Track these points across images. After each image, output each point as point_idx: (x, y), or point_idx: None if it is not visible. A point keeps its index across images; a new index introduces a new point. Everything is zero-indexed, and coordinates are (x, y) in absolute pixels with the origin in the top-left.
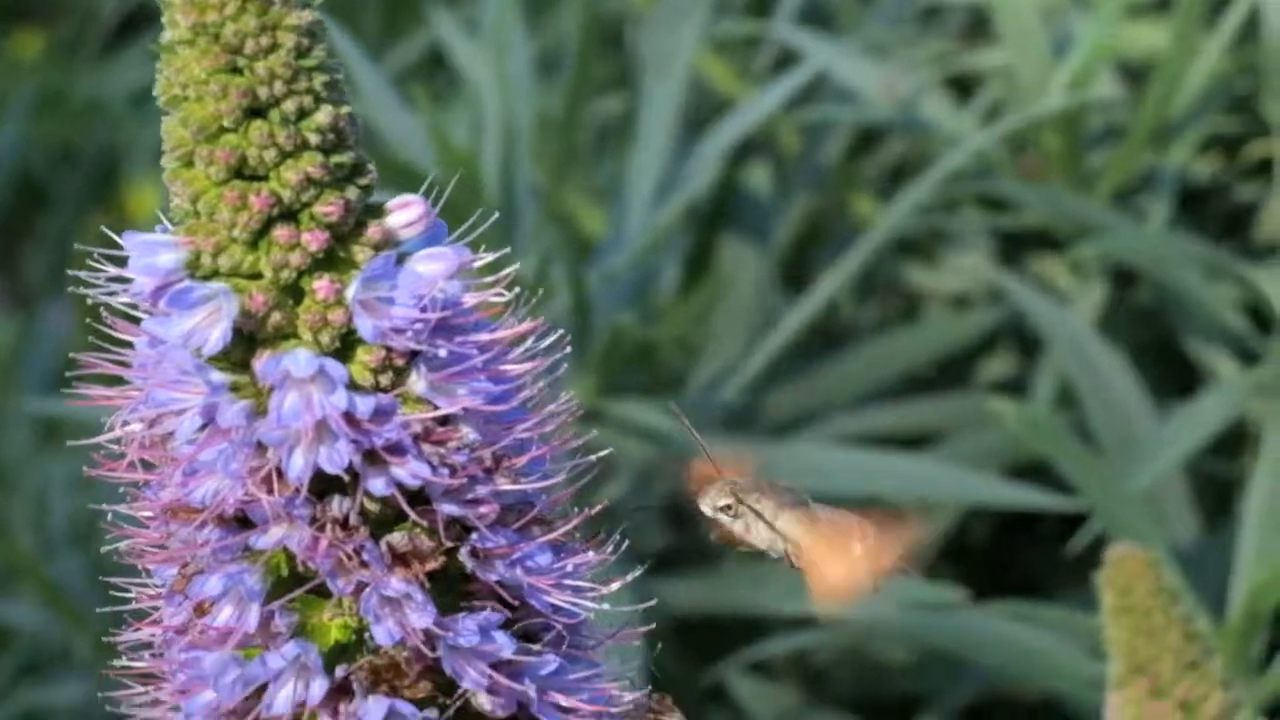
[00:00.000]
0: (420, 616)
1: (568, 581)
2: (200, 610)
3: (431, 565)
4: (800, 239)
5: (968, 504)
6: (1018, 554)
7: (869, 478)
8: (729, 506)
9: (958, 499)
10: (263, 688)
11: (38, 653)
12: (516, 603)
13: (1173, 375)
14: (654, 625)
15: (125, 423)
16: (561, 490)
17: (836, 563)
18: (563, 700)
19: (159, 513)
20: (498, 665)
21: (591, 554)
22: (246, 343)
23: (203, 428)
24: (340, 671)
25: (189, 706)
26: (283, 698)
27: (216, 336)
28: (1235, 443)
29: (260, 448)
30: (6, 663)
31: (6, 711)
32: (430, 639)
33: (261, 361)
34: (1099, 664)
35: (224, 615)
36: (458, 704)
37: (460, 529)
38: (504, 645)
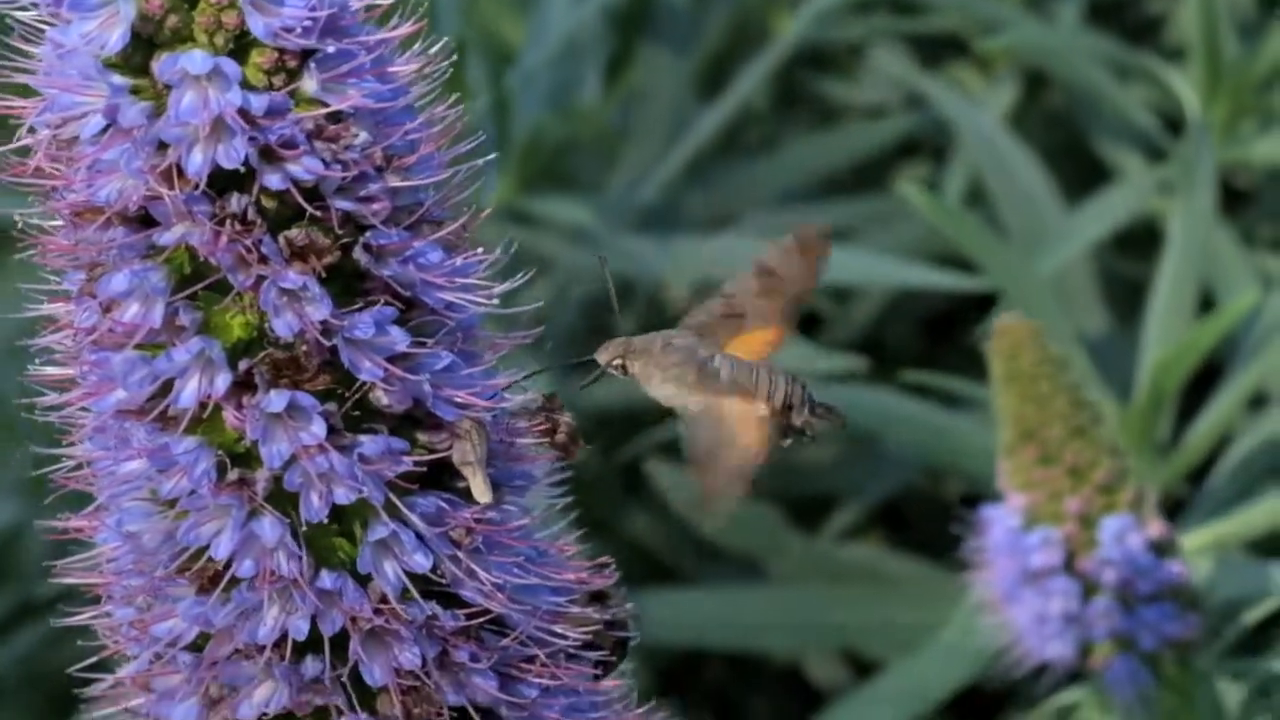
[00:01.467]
0: (317, 309)
1: (458, 279)
2: (107, 309)
3: (328, 259)
4: (720, 54)
5: (885, 289)
6: (938, 360)
7: None
8: (619, 365)
9: (878, 282)
10: (169, 384)
11: None
12: (410, 299)
13: (1082, 176)
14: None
15: (32, 129)
16: (451, 191)
17: (722, 448)
18: (457, 396)
19: (67, 216)
20: (393, 359)
21: (481, 253)
22: (146, 47)
23: (105, 129)
24: (243, 365)
25: (99, 405)
26: (189, 391)
27: (116, 38)
28: (1145, 245)
29: (161, 146)
30: None
31: None
32: (328, 331)
33: (160, 62)
34: None
35: (130, 313)
36: (356, 397)
37: (355, 227)
38: (398, 339)
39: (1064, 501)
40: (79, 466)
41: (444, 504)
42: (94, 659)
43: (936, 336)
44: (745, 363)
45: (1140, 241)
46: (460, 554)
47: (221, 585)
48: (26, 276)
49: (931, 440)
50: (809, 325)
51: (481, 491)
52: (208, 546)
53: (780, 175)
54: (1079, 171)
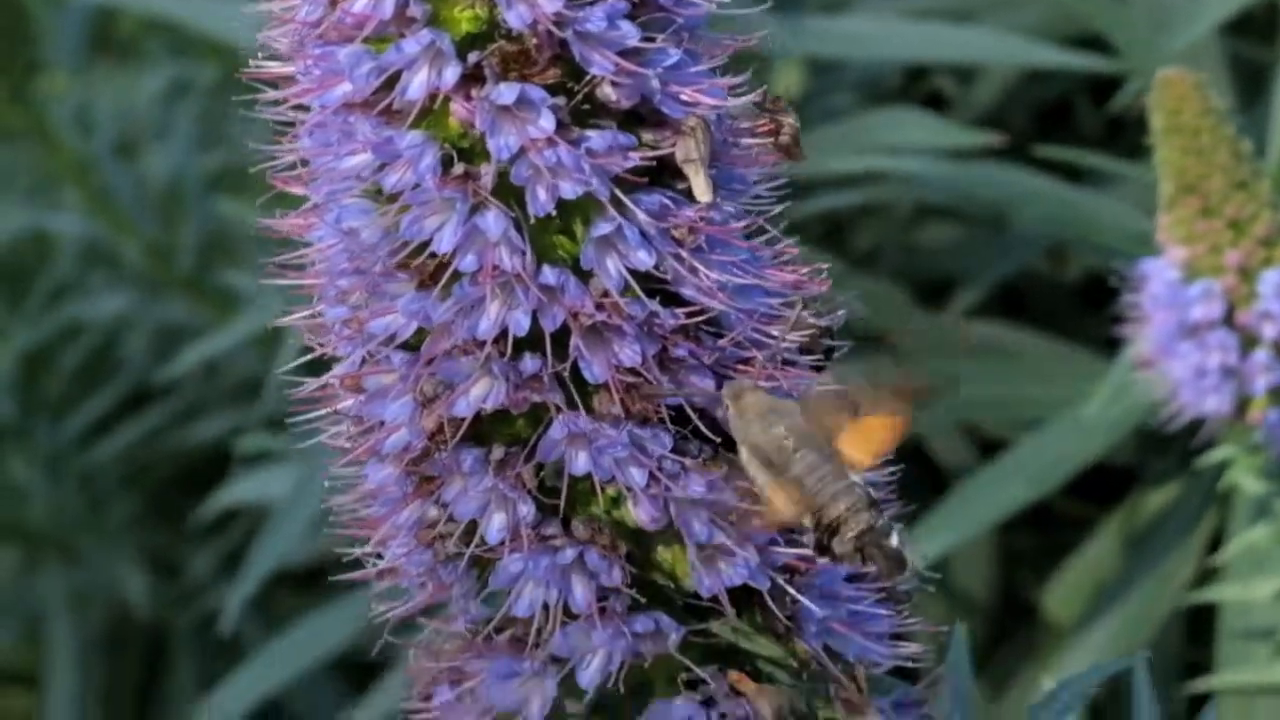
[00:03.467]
0: (550, 1)
1: None
2: (335, 1)
3: None
4: None
5: (1006, 72)
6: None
7: (919, 46)
8: (726, 402)
9: (1004, 62)
10: (395, 77)
11: (81, 266)
12: None
13: None
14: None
15: None
16: None
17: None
18: (683, 93)
19: None
20: (623, 54)
21: None
22: None
23: None
24: (472, 58)
25: (322, 100)
26: (416, 84)
27: None
28: (1267, 30)
29: None
30: (47, 275)
31: (47, 323)
32: (560, 23)
33: None
34: (1146, 220)
35: (360, 4)
36: (584, 91)
37: None
38: (629, 33)
39: (1224, 254)
40: (294, 166)
41: (668, 201)
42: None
43: (1050, 124)
44: (831, 472)
45: (1262, 26)
46: (683, 252)
47: (443, 280)
48: None
49: (1061, 214)
50: (932, 105)
51: (703, 190)
52: (430, 241)
53: None
54: None
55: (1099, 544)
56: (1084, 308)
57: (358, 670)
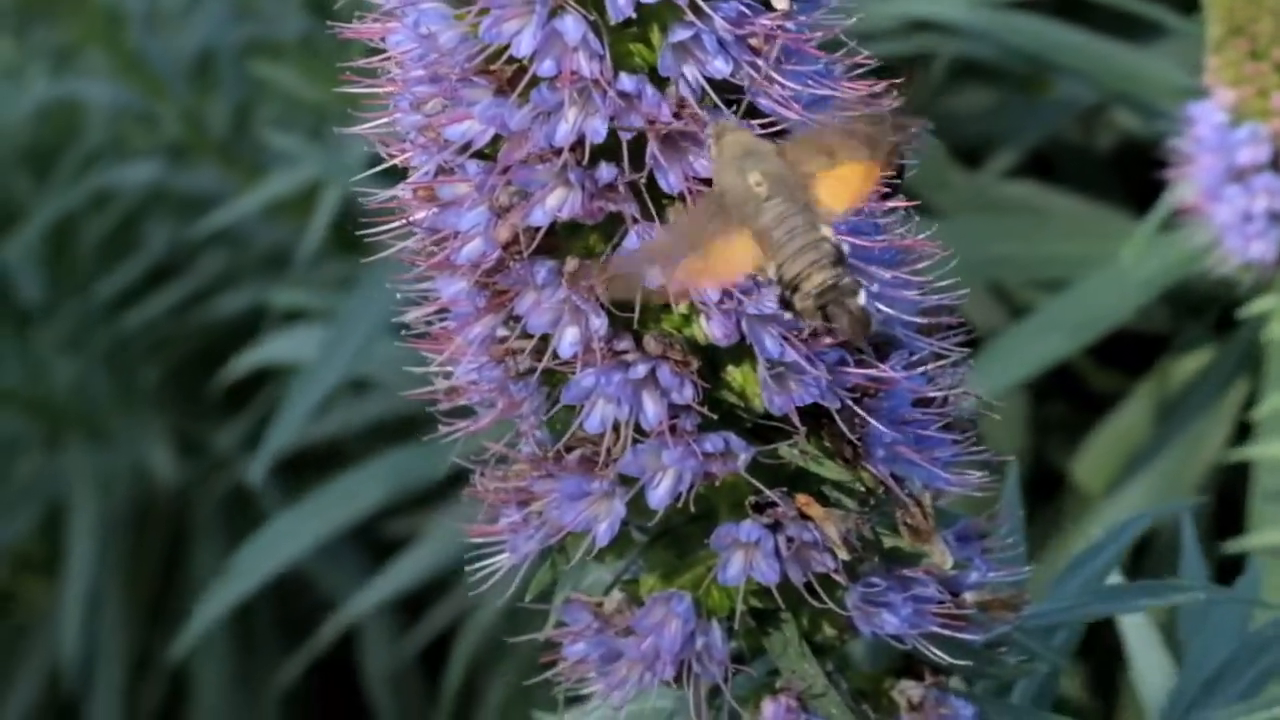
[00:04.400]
0: None
1: None
2: None
3: None
4: None
5: None
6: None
7: None
8: (712, 136)
9: None
10: None
11: (112, 137)
12: None
13: None
14: None
15: None
16: None
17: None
18: None
19: None
20: None
21: None
22: None
23: None
24: None
25: None
26: None
27: None
28: None
29: None
30: (78, 146)
31: (75, 193)
32: None
33: None
34: (1189, 76)
35: None
36: None
37: None
38: None
39: (1272, 97)
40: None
41: (744, 8)
42: None
43: None
44: (802, 224)
45: None
46: (759, 60)
47: (520, 86)
48: None
49: (1105, 67)
50: None
51: None
52: (508, 46)
53: None
54: None
55: (1130, 411)
56: (1117, 175)
57: (384, 548)
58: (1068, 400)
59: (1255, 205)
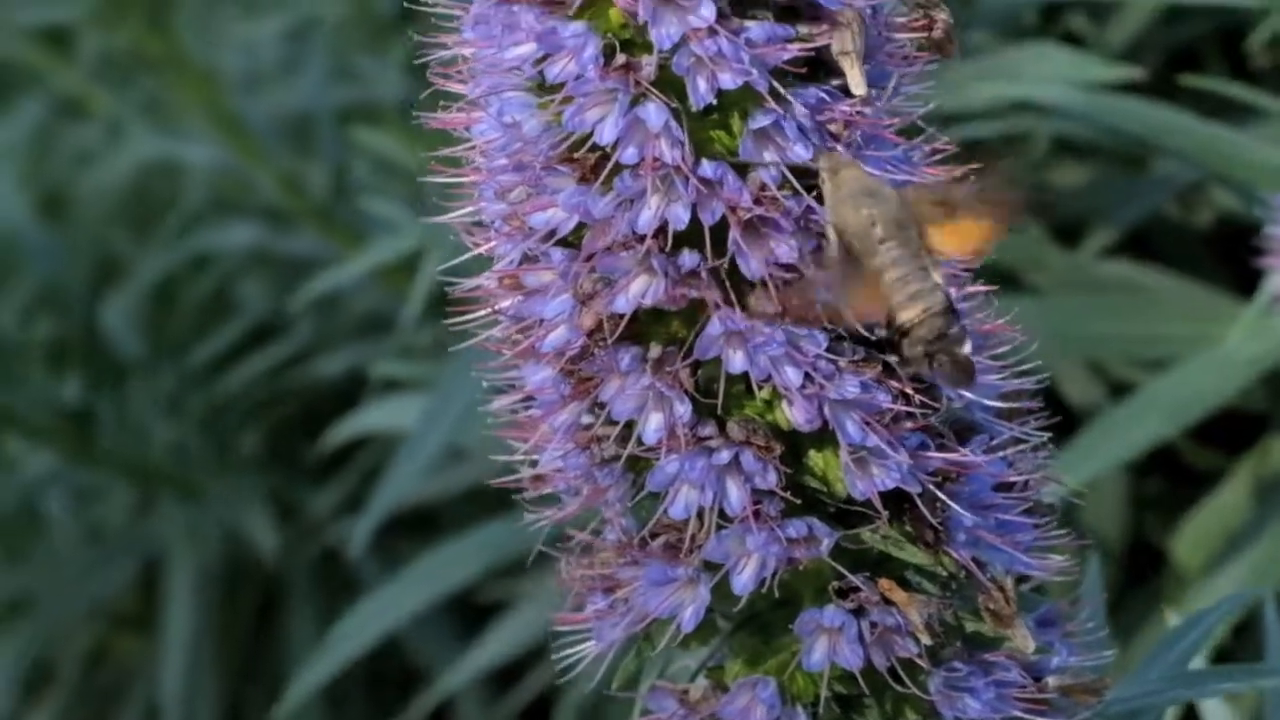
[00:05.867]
0: None
1: None
2: None
3: None
4: None
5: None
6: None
7: None
8: (822, 174)
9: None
10: None
11: (213, 197)
12: None
13: None
14: None
15: None
16: None
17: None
18: None
19: None
20: None
21: None
22: None
23: None
24: None
25: None
26: None
27: None
28: None
29: None
30: (178, 207)
31: (177, 254)
32: None
33: None
34: None
35: None
36: None
37: None
38: None
39: None
40: (455, 61)
41: (824, 95)
42: None
43: (1181, 67)
44: (915, 270)
45: None
46: (839, 146)
47: (604, 174)
48: None
49: (1203, 148)
50: (1067, 43)
51: (858, 83)
52: (591, 134)
53: None
54: None
55: (1229, 491)
56: (1215, 253)
57: (475, 612)
58: (1167, 477)
59: None
